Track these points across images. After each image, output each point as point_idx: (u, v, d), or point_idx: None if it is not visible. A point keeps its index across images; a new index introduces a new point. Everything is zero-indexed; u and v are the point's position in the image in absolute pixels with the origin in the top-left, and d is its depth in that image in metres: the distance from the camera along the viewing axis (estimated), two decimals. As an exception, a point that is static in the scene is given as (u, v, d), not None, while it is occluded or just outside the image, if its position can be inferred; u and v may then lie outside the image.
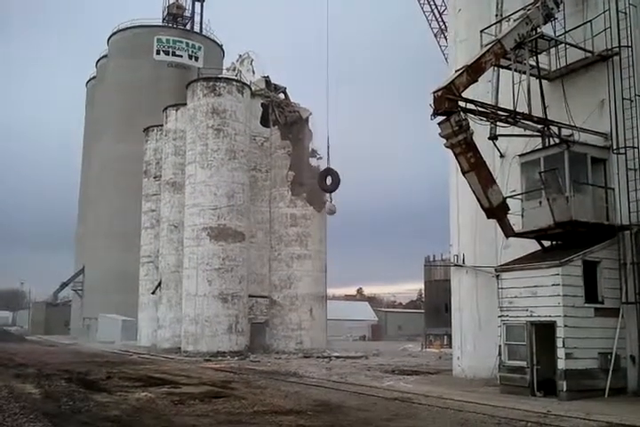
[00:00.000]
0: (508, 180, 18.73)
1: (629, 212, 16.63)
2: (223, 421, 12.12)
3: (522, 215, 17.20)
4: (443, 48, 45.56)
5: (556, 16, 18.08)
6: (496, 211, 15.73)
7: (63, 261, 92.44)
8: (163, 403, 14.50)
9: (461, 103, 15.37)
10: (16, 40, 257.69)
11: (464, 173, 15.62)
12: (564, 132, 17.07)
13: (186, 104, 39.48)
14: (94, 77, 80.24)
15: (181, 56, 70.28)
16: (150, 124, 48.07)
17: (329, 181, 38.06)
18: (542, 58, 18.19)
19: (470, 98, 15.64)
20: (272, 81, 43.88)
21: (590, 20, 17.81)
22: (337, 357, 33.96)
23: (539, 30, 17.36)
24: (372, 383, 19.53)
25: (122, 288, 54.48)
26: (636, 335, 16.25)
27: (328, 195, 39.55)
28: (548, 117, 16.94)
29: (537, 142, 17.65)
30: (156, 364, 28.13)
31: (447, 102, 14.94)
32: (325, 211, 40.12)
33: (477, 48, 17.87)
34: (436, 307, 48.12)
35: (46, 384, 18.25)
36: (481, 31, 18.76)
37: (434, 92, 15.13)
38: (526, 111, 16.49)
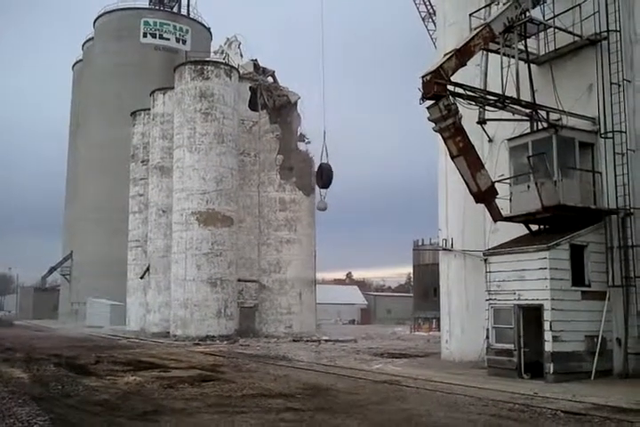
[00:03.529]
0: (497, 164, 18.78)
1: (616, 196, 16.71)
2: (212, 404, 12.19)
3: (510, 200, 17.26)
4: (431, 32, 45.36)
5: (544, 0, 18.05)
6: (484, 195, 15.77)
7: (51, 245, 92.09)
8: (152, 387, 14.55)
9: (450, 87, 15.37)
10: (8, 22, 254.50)
11: (453, 157, 15.64)
12: (553, 116, 17.09)
13: (173, 88, 39.18)
14: (81, 60, 79.44)
15: (168, 39, 69.62)
16: (137, 107, 47.68)
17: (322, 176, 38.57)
18: (531, 42, 18.18)
19: (459, 82, 15.63)
20: (260, 64, 43.63)
21: (579, 4, 17.77)
22: (326, 340, 34.12)
23: (528, 14, 17.34)
24: (361, 367, 19.67)
25: (110, 273, 54.35)
26: (622, 318, 16.42)
27: (320, 191, 39.80)
28: (537, 102, 16.96)
29: (525, 127, 17.68)
30: (145, 348, 28.19)
31: (436, 86, 14.92)
32: (317, 207, 40.26)
33: (466, 32, 17.83)
34: (424, 291, 48.45)
35: (35, 369, 18.27)
36: (470, 15, 18.69)
37: (422, 77, 15.11)
38: (515, 95, 16.51)
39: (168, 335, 35.40)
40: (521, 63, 17.21)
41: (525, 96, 16.76)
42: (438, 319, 25.86)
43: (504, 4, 17.21)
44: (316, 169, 39.68)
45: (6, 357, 22.41)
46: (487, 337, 17.15)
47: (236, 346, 29.73)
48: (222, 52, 44.37)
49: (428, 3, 47.14)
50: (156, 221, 41.11)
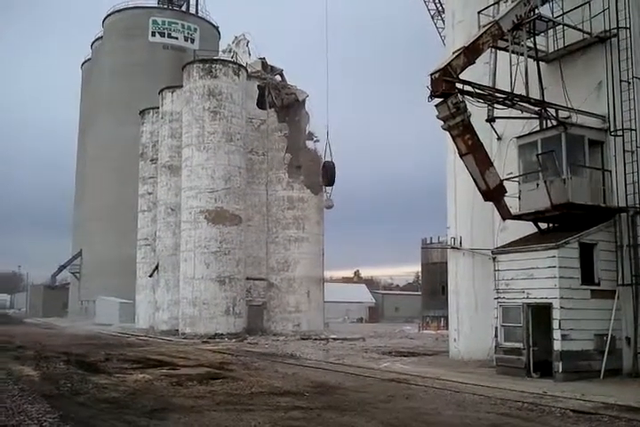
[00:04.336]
0: (506, 162, 18.71)
1: (626, 194, 16.63)
2: (221, 402, 12.21)
3: (519, 198, 17.20)
4: (440, 30, 45.19)
5: (554, -3, 17.99)
6: (493, 193, 15.72)
7: (61, 244, 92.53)
8: (161, 384, 14.60)
9: (459, 85, 15.31)
10: (10, 20, 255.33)
11: (461, 155, 15.60)
12: (562, 114, 17.02)
13: (182, 86, 39.25)
14: (89, 59, 79.72)
15: (177, 38, 69.81)
16: (146, 106, 47.83)
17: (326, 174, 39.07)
18: (540, 39, 18.10)
19: (468, 80, 15.58)
20: (269, 63, 43.68)
21: (588, 1, 17.67)
22: (334, 339, 34.11)
23: (536, 11, 17.25)
24: (369, 365, 19.65)
25: (119, 271, 54.64)
26: (632, 317, 16.34)
27: (326, 189, 40.05)
28: (546, 99, 16.88)
29: (534, 124, 17.61)
30: (154, 346, 28.28)
31: (444, 84, 14.88)
32: (323, 205, 40.46)
33: (475, 29, 17.74)
34: (433, 289, 48.42)
35: (45, 366, 18.34)
36: (478, 12, 18.60)
37: (431, 74, 15.07)
38: (524, 93, 16.45)
39: (177, 333, 35.51)
40: (530, 61, 17.14)
41: (534, 94, 16.70)
42: (447, 318, 25.82)
43: (513, 2, 17.13)
44: (322, 168, 39.94)
45: (17, 354, 22.52)
46: (496, 336, 17.11)
47: (244, 344, 29.78)
48: (230, 51, 44.44)
49: (437, 0, 46.95)
50: (165, 219, 41.24)
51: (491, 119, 18.19)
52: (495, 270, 17.24)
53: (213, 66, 37.64)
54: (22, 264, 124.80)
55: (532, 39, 17.43)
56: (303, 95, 42.48)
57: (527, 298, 16.15)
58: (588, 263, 16.32)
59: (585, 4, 17.74)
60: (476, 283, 20.93)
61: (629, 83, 16.89)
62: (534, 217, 17.29)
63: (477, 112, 16.68)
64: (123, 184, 58.59)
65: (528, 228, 17.75)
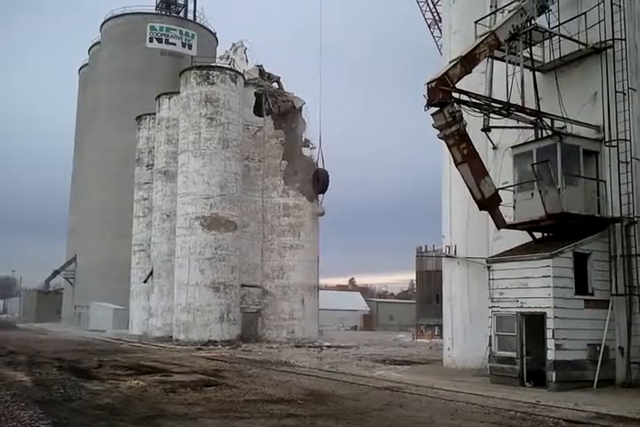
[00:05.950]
0: (501, 171, 18.77)
1: (620, 204, 16.70)
2: (214, 409, 12.18)
3: (514, 207, 17.27)
4: (437, 39, 45.44)
5: (550, 8, 18.11)
6: (488, 202, 15.78)
7: (55, 248, 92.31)
8: (154, 391, 14.55)
9: (455, 94, 15.41)
10: (9, 25, 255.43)
11: (457, 164, 15.67)
12: (557, 124, 17.11)
13: (179, 92, 39.29)
14: (87, 64, 79.73)
15: (174, 44, 69.79)
16: (143, 112, 47.80)
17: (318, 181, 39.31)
18: (536, 50, 18.22)
19: (464, 89, 15.67)
20: (266, 70, 43.79)
21: (584, 13, 17.81)
22: (328, 346, 34.10)
23: (533, 22, 17.39)
24: (363, 373, 19.64)
25: (113, 277, 54.43)
26: (625, 327, 16.38)
27: (317, 196, 40.24)
28: (541, 109, 16.98)
29: (530, 134, 17.70)
30: (148, 352, 28.18)
31: (441, 93, 14.96)
32: (314, 212, 40.57)
33: (471, 39, 17.85)
34: (427, 297, 48.40)
35: (38, 372, 18.27)
36: (475, 22, 18.72)
37: (427, 83, 15.16)
38: (519, 103, 16.53)
39: (170, 340, 35.39)
40: (526, 71, 17.24)
41: (530, 104, 16.79)
42: (441, 326, 25.84)
43: (509, 12, 17.27)
44: (313, 175, 40.17)
45: (9, 360, 22.42)
46: (490, 345, 17.12)
47: (238, 351, 29.71)
48: (228, 58, 44.53)
49: (434, 9, 47.22)
50: (160, 225, 41.16)
51: (486, 129, 18.30)
52: (490, 279, 17.27)
53: (211, 72, 37.70)
54: (16, 269, 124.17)
55: (528, 49, 17.55)
56: (300, 102, 42.58)
57: (521, 307, 16.19)
58: (582, 273, 16.38)
59: (581, 15, 17.88)
60: (471, 292, 20.96)
61: (624, 94, 16.99)
62: (529, 226, 17.35)
63: (473, 121, 16.77)
64: (118, 189, 58.44)
65: (523, 237, 17.81)
